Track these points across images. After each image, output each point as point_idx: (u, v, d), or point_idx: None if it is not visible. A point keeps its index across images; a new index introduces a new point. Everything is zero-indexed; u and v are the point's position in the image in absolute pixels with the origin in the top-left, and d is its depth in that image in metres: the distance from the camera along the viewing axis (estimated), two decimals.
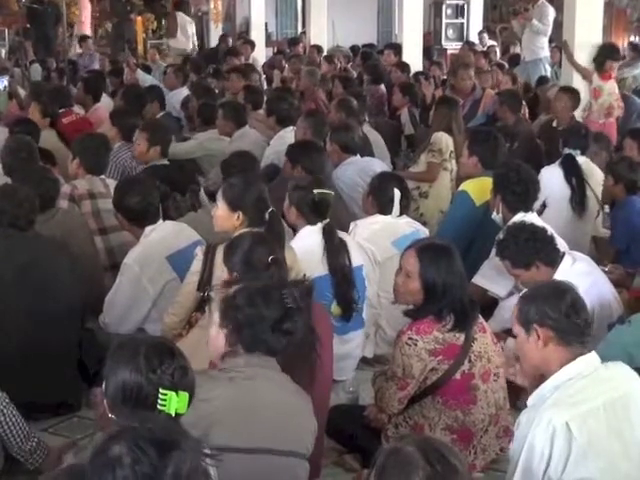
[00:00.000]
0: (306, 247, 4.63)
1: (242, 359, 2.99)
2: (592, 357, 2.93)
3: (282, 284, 3.21)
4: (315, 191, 4.73)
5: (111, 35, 19.80)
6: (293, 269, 4.12)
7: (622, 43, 14.80)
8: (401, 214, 5.25)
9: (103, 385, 2.56)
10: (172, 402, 2.44)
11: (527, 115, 9.44)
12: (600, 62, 8.97)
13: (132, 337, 2.73)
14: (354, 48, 15.46)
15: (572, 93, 8.08)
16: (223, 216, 4.48)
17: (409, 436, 2.19)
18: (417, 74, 10.67)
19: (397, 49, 12.47)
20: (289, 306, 3.02)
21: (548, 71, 12.31)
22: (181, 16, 16.06)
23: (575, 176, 6.27)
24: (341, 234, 4.82)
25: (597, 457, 2.74)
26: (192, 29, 16.29)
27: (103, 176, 5.83)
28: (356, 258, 4.78)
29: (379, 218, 5.23)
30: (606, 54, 9.13)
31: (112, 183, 5.71)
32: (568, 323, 2.93)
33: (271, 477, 2.92)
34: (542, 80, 11.11)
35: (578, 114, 8.45)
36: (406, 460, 2.01)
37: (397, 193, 5.19)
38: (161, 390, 2.45)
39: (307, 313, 3.46)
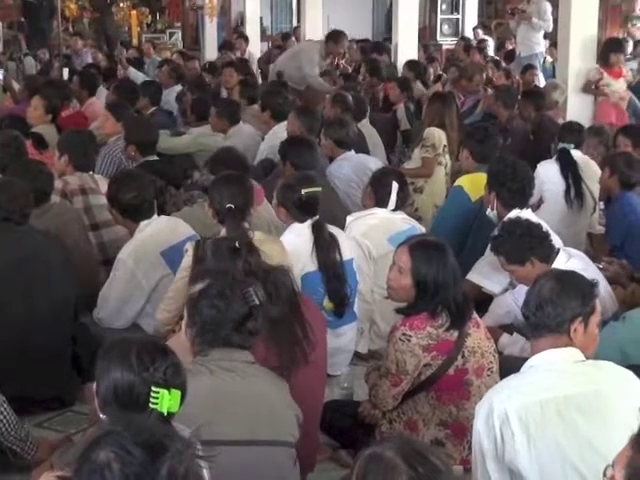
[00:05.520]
0: (295, 243, 4.59)
1: (217, 352, 2.99)
2: (574, 352, 2.93)
3: (246, 280, 3.15)
4: (303, 191, 4.65)
5: (90, 31, 19.45)
6: (282, 263, 4.11)
7: None
8: (399, 208, 5.25)
9: (94, 385, 2.55)
10: (164, 400, 2.42)
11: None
12: (605, 57, 9.00)
13: (123, 337, 2.70)
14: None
15: (536, 96, 8.15)
16: None
17: (388, 440, 2.16)
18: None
19: (382, 49, 12.53)
20: (252, 305, 3.00)
21: None
22: None
23: (570, 171, 6.26)
24: (331, 229, 4.77)
25: (539, 447, 2.78)
26: None
27: (91, 172, 5.80)
28: (346, 251, 4.74)
29: (375, 212, 5.23)
30: (609, 48, 9.15)
31: (100, 179, 5.70)
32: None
33: (256, 467, 2.92)
34: (528, 68, 11.12)
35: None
36: (388, 465, 1.98)
37: (395, 186, 5.19)
38: (153, 388, 2.43)
39: (286, 290, 3.45)
